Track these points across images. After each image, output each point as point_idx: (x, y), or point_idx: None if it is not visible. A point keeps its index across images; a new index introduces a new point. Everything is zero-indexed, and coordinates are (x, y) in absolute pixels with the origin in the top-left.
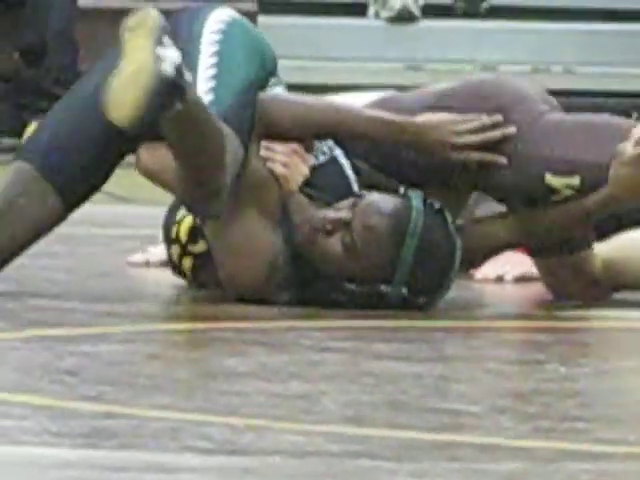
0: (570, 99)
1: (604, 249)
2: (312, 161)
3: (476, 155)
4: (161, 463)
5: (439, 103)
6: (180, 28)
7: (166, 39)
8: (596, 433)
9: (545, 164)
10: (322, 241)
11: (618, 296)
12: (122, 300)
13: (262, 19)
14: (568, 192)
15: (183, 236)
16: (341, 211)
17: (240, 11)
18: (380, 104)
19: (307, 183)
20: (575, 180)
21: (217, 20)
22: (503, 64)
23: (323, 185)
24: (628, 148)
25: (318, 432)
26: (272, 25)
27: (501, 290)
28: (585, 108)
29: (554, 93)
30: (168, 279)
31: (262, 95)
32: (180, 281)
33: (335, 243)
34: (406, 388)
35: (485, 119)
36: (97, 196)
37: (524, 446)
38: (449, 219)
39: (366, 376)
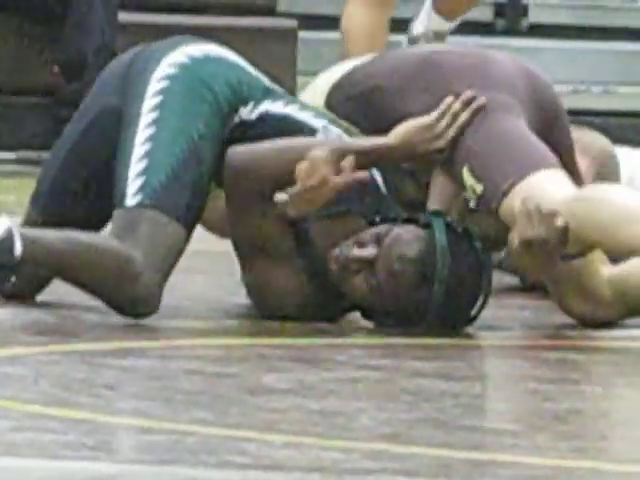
0: (610, 119)
1: (613, 269)
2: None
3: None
4: (199, 478)
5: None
6: (130, 79)
7: None
8: (634, 453)
9: (469, 157)
10: (349, 279)
11: None
12: (160, 315)
13: (302, 34)
14: (470, 195)
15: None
16: (365, 248)
17: (280, 27)
18: (347, 84)
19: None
20: (479, 188)
21: (162, 75)
22: None
23: (347, 193)
24: (515, 240)
25: (356, 449)
26: (311, 40)
27: (537, 309)
28: (625, 128)
29: (594, 113)
30: (205, 294)
31: (227, 161)
32: (217, 296)
33: (362, 283)
34: (444, 406)
35: (455, 106)
36: None
37: (562, 465)
38: (475, 237)
39: (404, 394)
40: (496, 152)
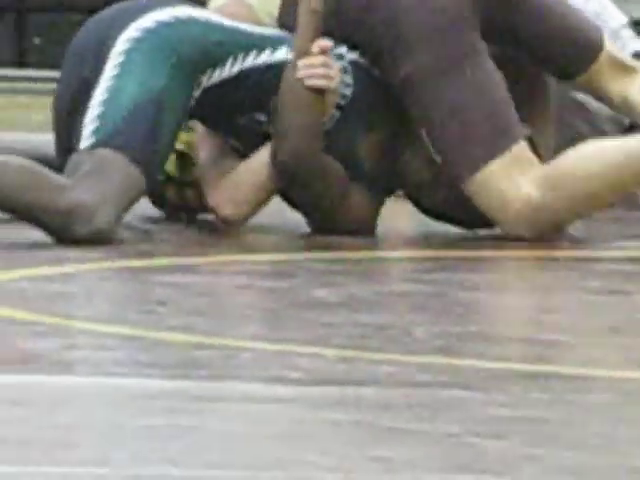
0: None
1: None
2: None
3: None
4: (251, 393)
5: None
6: (100, 46)
7: None
8: None
9: (426, 123)
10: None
11: None
12: (210, 231)
13: None
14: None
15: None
16: None
17: None
18: None
19: None
20: (437, 158)
21: (127, 38)
22: None
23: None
24: None
25: (409, 362)
26: None
27: (587, 220)
28: None
29: None
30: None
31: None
32: (265, 211)
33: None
34: (496, 319)
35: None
36: None
37: (616, 377)
38: None
39: (456, 306)
40: (456, 130)
